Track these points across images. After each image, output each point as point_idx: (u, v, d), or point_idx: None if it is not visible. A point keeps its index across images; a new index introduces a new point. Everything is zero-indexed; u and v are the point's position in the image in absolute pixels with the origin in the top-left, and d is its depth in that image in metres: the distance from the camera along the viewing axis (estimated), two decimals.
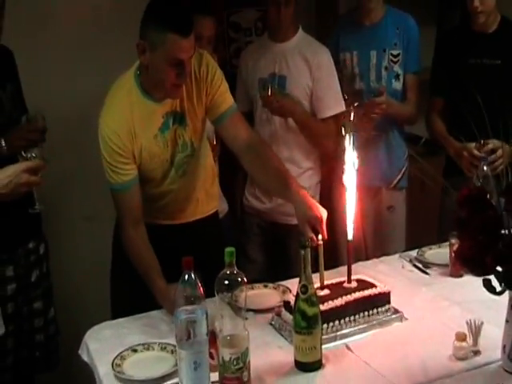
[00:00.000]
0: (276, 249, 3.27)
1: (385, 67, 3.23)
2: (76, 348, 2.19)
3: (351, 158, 2.13)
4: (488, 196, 1.74)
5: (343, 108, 3.07)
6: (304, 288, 1.83)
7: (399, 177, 3.36)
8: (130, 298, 2.47)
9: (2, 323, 2.23)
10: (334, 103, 3.08)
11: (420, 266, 2.54)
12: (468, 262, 1.73)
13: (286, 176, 2.37)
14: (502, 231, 1.69)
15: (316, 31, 3.48)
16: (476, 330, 1.92)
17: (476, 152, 2.84)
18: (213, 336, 1.79)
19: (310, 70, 3.05)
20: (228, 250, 1.71)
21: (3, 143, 2.43)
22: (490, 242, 1.67)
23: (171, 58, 2.20)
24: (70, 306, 3.32)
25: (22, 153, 2.14)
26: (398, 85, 3.26)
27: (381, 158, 3.30)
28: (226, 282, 1.71)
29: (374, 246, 3.39)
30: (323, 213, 2.18)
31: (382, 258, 2.66)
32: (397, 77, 3.25)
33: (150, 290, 2.24)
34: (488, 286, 1.74)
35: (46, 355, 2.86)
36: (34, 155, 2.12)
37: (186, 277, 1.66)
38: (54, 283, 2.94)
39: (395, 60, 3.23)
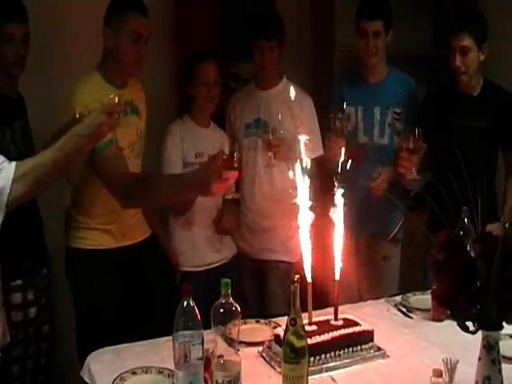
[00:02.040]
0: (261, 285, 3.47)
1: (388, 124, 3.36)
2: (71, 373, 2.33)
3: (340, 206, 2.30)
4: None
5: (321, 152, 3.24)
6: (293, 321, 1.96)
7: (397, 229, 3.48)
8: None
9: (8, 332, 2.28)
10: (312, 147, 3.20)
11: (404, 310, 2.67)
12: (443, 302, 1.88)
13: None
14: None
15: (313, 86, 3.67)
16: (452, 368, 2.05)
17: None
18: (207, 361, 1.93)
19: (293, 116, 3.23)
20: (224, 281, 1.88)
21: None
22: (464, 283, 1.82)
23: (132, 33, 2.66)
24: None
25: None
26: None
27: (379, 210, 3.41)
28: (222, 311, 1.88)
29: (368, 292, 3.51)
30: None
31: (368, 302, 2.80)
32: (399, 134, 3.35)
33: (187, 194, 2.62)
34: (462, 325, 1.88)
35: (48, 380, 2.99)
36: (114, 100, 2.23)
37: (185, 304, 1.81)
38: None
39: (397, 117, 3.36)
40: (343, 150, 2.51)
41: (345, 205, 2.30)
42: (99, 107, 2.23)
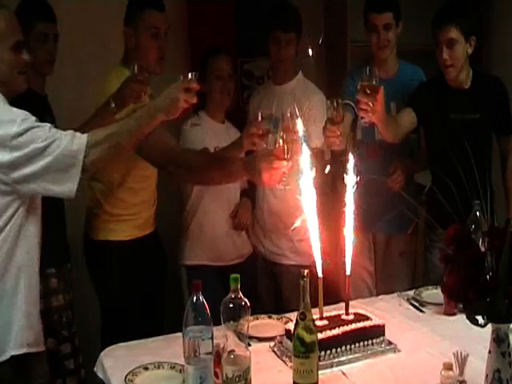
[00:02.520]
0: (275, 287, 3.49)
1: None
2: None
3: (350, 199, 2.31)
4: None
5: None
6: (303, 315, 1.97)
7: (415, 224, 3.42)
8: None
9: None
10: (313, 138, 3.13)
11: (416, 304, 2.67)
12: (453, 295, 1.88)
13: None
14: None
15: (326, 81, 3.67)
16: (462, 361, 2.05)
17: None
18: (217, 356, 1.94)
19: (303, 113, 3.23)
20: (233, 276, 1.90)
21: (112, 104, 2.61)
22: (473, 277, 1.82)
23: (150, 28, 2.77)
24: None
25: (181, 76, 2.27)
26: (415, 135, 3.35)
27: (396, 206, 3.33)
28: (231, 306, 1.89)
29: (383, 288, 3.50)
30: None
31: (380, 296, 2.82)
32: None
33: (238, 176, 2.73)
34: (471, 318, 1.88)
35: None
36: (191, 77, 2.25)
37: (195, 299, 1.83)
38: None
39: None
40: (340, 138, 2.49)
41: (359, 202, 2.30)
42: (176, 83, 2.26)
